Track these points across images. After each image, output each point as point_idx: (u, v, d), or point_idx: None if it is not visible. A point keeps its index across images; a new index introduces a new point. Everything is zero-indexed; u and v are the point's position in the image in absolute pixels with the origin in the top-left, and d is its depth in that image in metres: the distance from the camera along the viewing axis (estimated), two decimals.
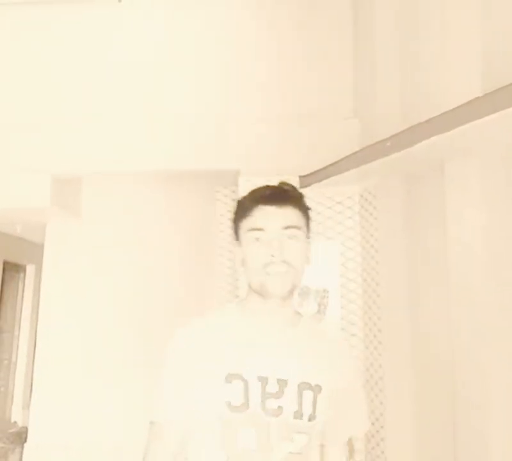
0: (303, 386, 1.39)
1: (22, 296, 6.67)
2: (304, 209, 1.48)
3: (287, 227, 1.41)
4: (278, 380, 1.37)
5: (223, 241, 3.73)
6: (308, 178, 3.30)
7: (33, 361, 4.09)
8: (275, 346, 1.42)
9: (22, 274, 6.65)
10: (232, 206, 3.75)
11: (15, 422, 6.27)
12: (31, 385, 3.97)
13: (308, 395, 1.39)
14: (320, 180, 3.21)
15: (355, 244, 3.30)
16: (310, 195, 3.27)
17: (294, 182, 3.34)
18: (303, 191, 3.26)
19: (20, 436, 5.30)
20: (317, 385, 1.41)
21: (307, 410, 1.38)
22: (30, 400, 3.94)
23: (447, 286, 2.50)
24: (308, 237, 1.48)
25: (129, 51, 3.66)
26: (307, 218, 1.48)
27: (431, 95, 2.69)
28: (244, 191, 3.34)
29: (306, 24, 3.60)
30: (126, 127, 3.52)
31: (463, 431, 2.35)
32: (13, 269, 6.41)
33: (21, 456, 3.86)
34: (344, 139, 3.33)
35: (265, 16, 3.62)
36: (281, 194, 1.45)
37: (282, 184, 1.50)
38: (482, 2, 2.39)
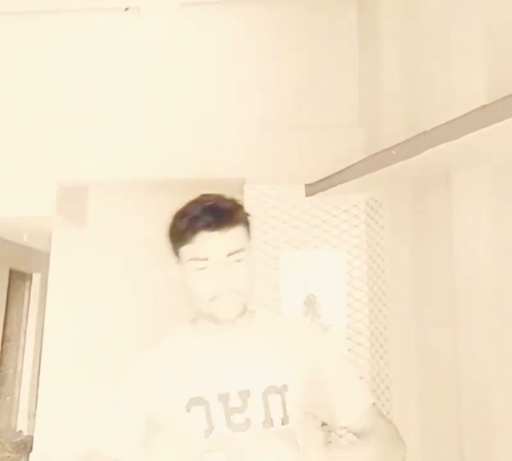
0: (268, 391, 1.32)
1: (28, 305, 6.66)
2: (246, 222, 1.37)
3: (233, 253, 1.32)
4: (240, 392, 1.32)
5: None
6: (314, 187, 3.29)
7: (39, 370, 4.08)
8: (232, 358, 1.36)
9: (28, 283, 6.65)
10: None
11: (20, 431, 6.26)
12: (37, 394, 3.96)
13: (274, 399, 1.32)
14: (325, 189, 3.21)
15: (361, 252, 3.29)
16: (315, 203, 3.30)
17: (300, 190, 3.34)
18: (308, 199, 3.31)
19: (26, 446, 5.29)
20: (283, 386, 1.33)
21: (277, 415, 1.31)
22: (35, 409, 3.93)
23: (453, 295, 2.49)
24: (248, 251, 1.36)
25: (133, 61, 3.67)
26: (248, 229, 1.38)
27: (437, 103, 2.68)
28: (249, 199, 3.36)
29: (311, 31, 3.61)
30: (131, 136, 3.53)
31: (468, 439, 2.33)
32: (19, 277, 6.41)
33: None
34: (349, 147, 3.33)
35: (269, 24, 3.62)
36: (226, 218, 1.32)
37: (224, 201, 1.36)
38: (487, 9, 2.39)
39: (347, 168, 3.01)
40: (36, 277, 6.65)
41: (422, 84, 2.87)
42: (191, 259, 1.32)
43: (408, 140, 2.54)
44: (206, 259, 1.31)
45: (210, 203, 1.35)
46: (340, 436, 1.64)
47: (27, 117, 3.65)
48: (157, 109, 3.59)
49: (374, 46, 3.30)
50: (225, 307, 1.32)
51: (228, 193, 3.87)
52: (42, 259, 4.87)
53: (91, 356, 3.79)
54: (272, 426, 1.31)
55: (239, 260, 1.32)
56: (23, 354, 6.56)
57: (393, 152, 2.63)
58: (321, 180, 3.22)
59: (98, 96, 3.66)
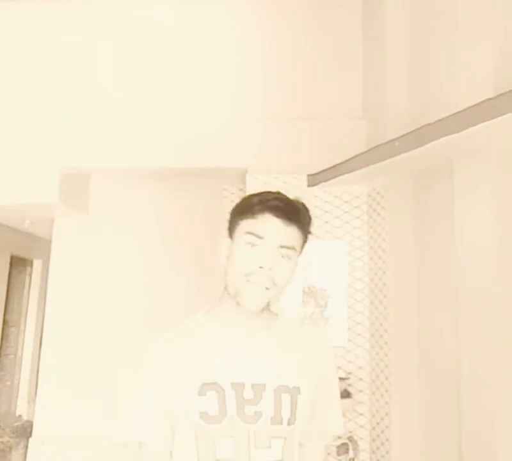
0: (281, 389, 1.37)
1: (29, 291, 6.70)
2: (307, 232, 1.44)
3: (285, 247, 1.37)
4: (254, 385, 1.35)
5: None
6: (316, 177, 3.29)
7: (39, 355, 4.10)
8: (249, 350, 1.40)
9: (29, 269, 6.67)
10: None
11: (20, 415, 6.30)
12: (37, 380, 3.99)
13: (286, 398, 1.36)
14: (328, 179, 3.21)
15: (362, 243, 3.30)
16: (317, 194, 3.31)
17: (302, 180, 3.35)
18: (311, 189, 3.30)
19: (25, 430, 5.32)
20: (295, 387, 1.38)
21: (286, 414, 1.36)
22: (35, 394, 3.96)
23: (454, 286, 2.50)
24: (298, 258, 1.43)
25: (139, 50, 3.67)
26: (305, 240, 1.45)
27: (441, 95, 2.68)
28: (251, 188, 3.37)
29: (316, 24, 3.60)
30: (134, 124, 3.52)
31: (468, 431, 2.35)
32: (20, 263, 6.44)
33: (26, 450, 3.88)
34: (352, 138, 3.33)
35: (275, 17, 3.61)
36: (294, 213, 1.40)
37: (297, 202, 1.45)
38: (494, 2, 2.38)
39: (350, 158, 3.02)
40: (37, 263, 6.67)
41: (426, 76, 2.86)
42: (248, 232, 1.38)
43: (412, 132, 2.54)
44: (261, 238, 1.36)
45: (285, 197, 1.44)
46: None
47: (30, 104, 3.64)
48: (160, 97, 3.58)
49: (379, 37, 3.29)
50: (254, 289, 1.35)
51: (230, 182, 3.82)
52: (43, 246, 4.89)
53: (92, 342, 3.81)
54: (281, 424, 1.35)
55: (286, 256, 1.38)
56: (23, 339, 6.60)
57: (397, 143, 2.63)
58: (324, 171, 3.22)
59: (101, 84, 3.65)
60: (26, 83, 3.69)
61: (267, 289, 1.36)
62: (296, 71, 3.55)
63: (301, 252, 1.43)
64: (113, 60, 3.68)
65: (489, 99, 2.11)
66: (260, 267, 1.35)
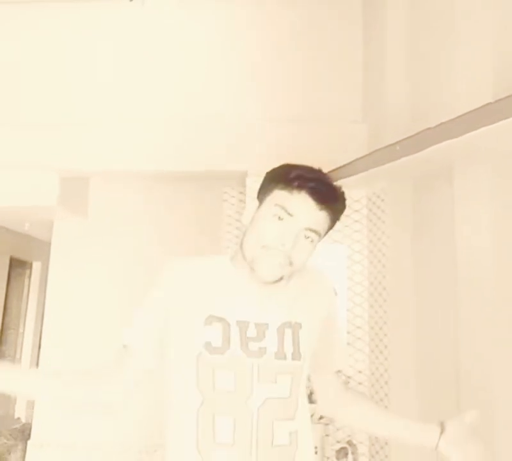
0: (283, 325, 1.39)
1: (28, 293, 6.68)
2: (336, 220, 1.42)
3: (311, 230, 1.35)
4: (258, 324, 1.37)
5: (229, 242, 3.73)
6: None
7: (38, 358, 4.09)
8: (255, 295, 1.40)
9: (28, 271, 6.66)
10: (239, 207, 3.74)
11: (19, 418, 6.28)
12: None
13: (288, 333, 1.38)
14: None
15: (362, 247, 3.30)
16: None
17: None
18: None
19: (23, 433, 5.30)
20: (297, 323, 1.40)
21: (289, 348, 1.38)
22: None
23: (454, 290, 2.49)
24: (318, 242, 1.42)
25: (139, 50, 3.67)
26: (332, 227, 1.43)
27: (442, 99, 2.68)
28: (251, 191, 3.36)
29: (316, 26, 3.60)
30: (134, 126, 3.53)
31: None
32: (20, 265, 6.43)
33: (24, 453, 3.87)
34: (352, 142, 3.33)
35: (274, 17, 3.62)
36: (332, 200, 1.38)
37: (338, 188, 1.42)
38: (493, 6, 2.39)
39: (350, 162, 3.02)
40: (36, 265, 6.66)
41: (427, 80, 2.86)
42: (278, 205, 1.36)
43: (412, 136, 2.54)
44: (291, 215, 1.34)
45: (327, 180, 1.40)
46: None
47: (29, 107, 3.65)
48: (159, 100, 3.59)
49: (379, 40, 3.29)
50: (269, 262, 1.34)
51: (230, 185, 3.80)
52: (43, 248, 4.88)
53: (91, 345, 3.80)
54: (285, 359, 1.37)
55: (310, 240, 1.36)
56: (22, 342, 6.58)
57: (397, 147, 2.63)
58: None
59: (100, 86, 3.65)
60: (26, 84, 3.69)
61: (283, 265, 1.35)
62: (296, 75, 3.55)
63: (323, 237, 1.41)
64: (113, 61, 3.68)
65: (489, 104, 2.11)
66: (282, 244, 1.33)
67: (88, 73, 3.68)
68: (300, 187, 1.35)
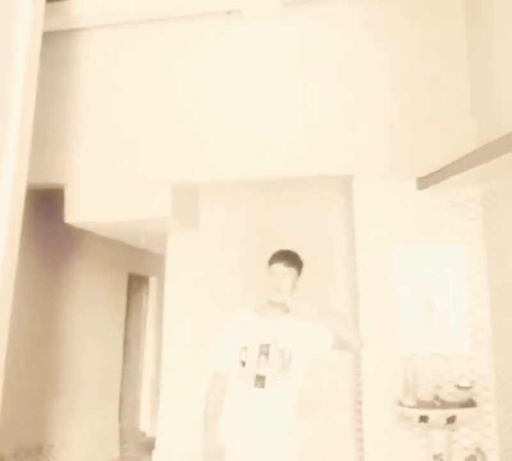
0: (283, 349, 2.38)
1: (146, 308, 6.86)
2: (299, 266, 2.52)
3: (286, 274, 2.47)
4: (261, 346, 2.39)
5: (336, 248, 3.70)
6: (426, 180, 3.21)
7: (158, 371, 4.19)
8: (272, 327, 2.42)
9: (145, 287, 6.85)
10: (346, 212, 3.66)
11: (144, 432, 6.43)
12: (158, 396, 4.07)
13: (285, 355, 2.37)
14: (438, 181, 3.11)
15: (478, 246, 3.17)
16: (427, 198, 3.21)
17: (411, 184, 3.27)
18: (420, 193, 3.20)
19: (149, 446, 5.43)
20: (293, 347, 2.38)
21: (287, 364, 2.36)
22: (157, 410, 4.05)
23: None
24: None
25: (239, 64, 3.72)
26: (299, 267, 2.52)
27: None
28: (358, 195, 3.31)
29: (420, 24, 3.52)
30: (241, 137, 3.57)
31: None
32: (137, 281, 6.61)
33: None
34: (461, 138, 3.21)
35: (375, 20, 3.57)
36: (289, 261, 2.49)
37: (289, 252, 2.54)
38: None
39: (461, 158, 2.91)
40: (153, 280, 6.84)
41: None
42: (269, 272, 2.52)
43: None
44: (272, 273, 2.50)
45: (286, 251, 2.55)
46: None
47: (141, 122, 3.78)
48: (265, 110, 3.61)
49: (485, 33, 3.17)
50: (273, 295, 2.44)
51: (337, 190, 3.70)
52: (157, 262, 5.01)
53: (210, 356, 3.84)
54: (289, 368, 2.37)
55: (285, 275, 2.47)
56: (143, 355, 6.77)
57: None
58: (434, 173, 3.13)
59: (208, 100, 3.73)
60: (137, 102, 3.83)
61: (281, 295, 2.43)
62: (400, 74, 3.47)
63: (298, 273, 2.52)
64: (217, 77, 3.76)
65: None
66: (274, 286, 2.46)
67: (195, 89, 3.77)
68: (271, 261, 2.53)
